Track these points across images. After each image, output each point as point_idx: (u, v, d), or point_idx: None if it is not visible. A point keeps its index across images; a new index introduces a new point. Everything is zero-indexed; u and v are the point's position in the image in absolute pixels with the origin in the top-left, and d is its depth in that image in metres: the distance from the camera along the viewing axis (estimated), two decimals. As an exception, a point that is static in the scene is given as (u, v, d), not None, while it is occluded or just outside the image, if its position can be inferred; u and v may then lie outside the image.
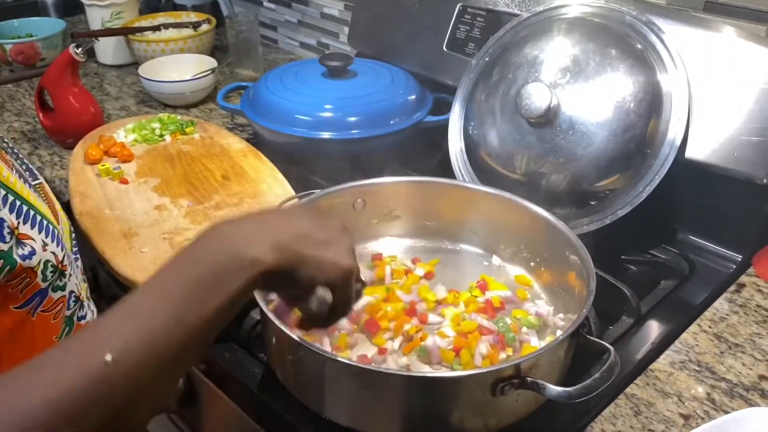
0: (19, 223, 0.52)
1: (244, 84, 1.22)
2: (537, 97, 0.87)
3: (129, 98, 1.41)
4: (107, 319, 0.40)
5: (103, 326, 0.40)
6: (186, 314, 0.41)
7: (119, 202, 0.92)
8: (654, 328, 0.78)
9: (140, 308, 0.41)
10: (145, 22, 1.54)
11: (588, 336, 0.62)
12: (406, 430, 0.59)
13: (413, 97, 1.09)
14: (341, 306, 0.53)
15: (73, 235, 0.67)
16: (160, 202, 0.93)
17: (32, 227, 0.54)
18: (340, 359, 0.57)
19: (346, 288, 0.52)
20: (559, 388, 0.55)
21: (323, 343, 0.67)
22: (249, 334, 0.73)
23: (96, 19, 1.53)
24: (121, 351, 0.37)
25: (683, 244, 0.91)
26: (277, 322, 0.59)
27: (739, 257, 0.87)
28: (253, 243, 0.45)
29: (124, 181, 0.98)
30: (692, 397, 0.68)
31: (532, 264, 0.81)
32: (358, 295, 0.57)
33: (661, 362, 0.72)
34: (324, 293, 0.50)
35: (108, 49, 1.55)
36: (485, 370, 0.55)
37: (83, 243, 0.85)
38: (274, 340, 0.64)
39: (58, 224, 0.60)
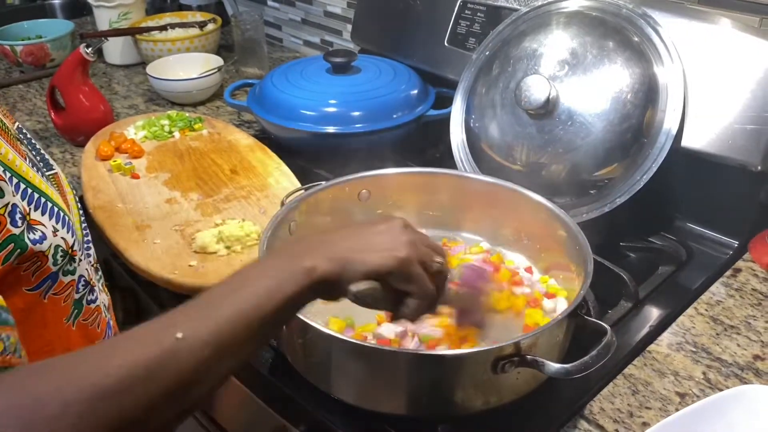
0: (30, 209, 0.55)
1: (250, 81, 1.24)
2: (536, 89, 0.89)
3: (137, 97, 1.44)
4: (183, 307, 0.46)
5: (178, 312, 0.46)
6: (248, 311, 0.46)
7: (131, 196, 0.95)
8: (652, 312, 0.80)
9: (211, 300, 0.47)
10: (151, 22, 1.57)
11: (586, 317, 0.64)
12: (410, 407, 0.62)
13: (415, 91, 1.12)
14: (419, 294, 0.54)
15: (84, 225, 0.69)
16: (171, 195, 0.96)
17: (43, 214, 0.56)
18: (346, 339, 0.59)
19: (408, 275, 0.53)
20: (558, 365, 0.57)
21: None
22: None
23: (103, 19, 1.56)
24: (190, 331, 0.43)
25: (681, 230, 0.93)
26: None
27: (735, 243, 0.89)
28: (310, 254, 0.51)
29: (136, 176, 1.00)
30: (688, 377, 0.70)
31: (532, 251, 0.83)
32: (441, 276, 0.56)
33: (659, 344, 0.75)
34: (358, 286, 0.51)
35: (116, 50, 1.58)
36: (486, 348, 0.57)
37: (97, 236, 0.88)
38: (284, 326, 0.66)
39: (69, 212, 0.62)
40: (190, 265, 0.81)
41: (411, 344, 0.65)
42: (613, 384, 0.69)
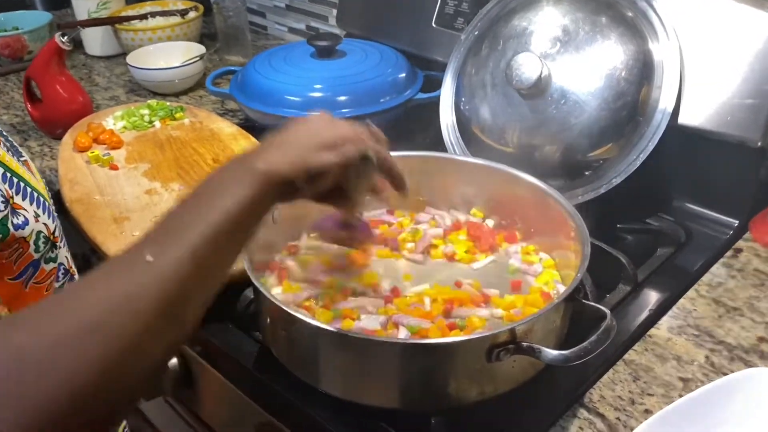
0: (12, 193, 0.53)
1: (233, 68, 1.21)
2: (527, 67, 0.86)
3: (118, 88, 1.40)
4: (150, 231, 0.45)
5: (146, 237, 0.44)
6: (210, 213, 0.44)
7: (110, 188, 0.92)
8: (651, 295, 0.77)
9: (171, 218, 0.46)
10: (131, 11, 1.53)
11: (584, 301, 0.61)
12: (402, 400, 0.59)
13: (403, 74, 1.08)
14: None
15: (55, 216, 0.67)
16: (151, 186, 0.92)
17: (24, 198, 0.54)
18: (332, 330, 0.56)
19: (347, 147, 0.54)
20: (555, 352, 0.54)
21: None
22: (243, 313, 0.72)
23: (82, 10, 1.52)
24: (158, 251, 0.42)
25: (679, 211, 0.91)
26: (269, 296, 0.58)
27: (735, 222, 0.87)
28: (265, 159, 0.50)
29: (114, 167, 0.97)
30: (691, 361, 0.67)
31: (526, 234, 0.80)
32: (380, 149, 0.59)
33: (660, 328, 0.72)
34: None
35: (96, 40, 1.53)
36: (480, 335, 0.54)
37: (74, 230, 0.85)
38: (267, 317, 0.63)
39: (49, 200, 0.61)
40: (170, 258, 0.77)
41: (401, 335, 0.62)
42: (613, 370, 0.67)
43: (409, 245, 0.77)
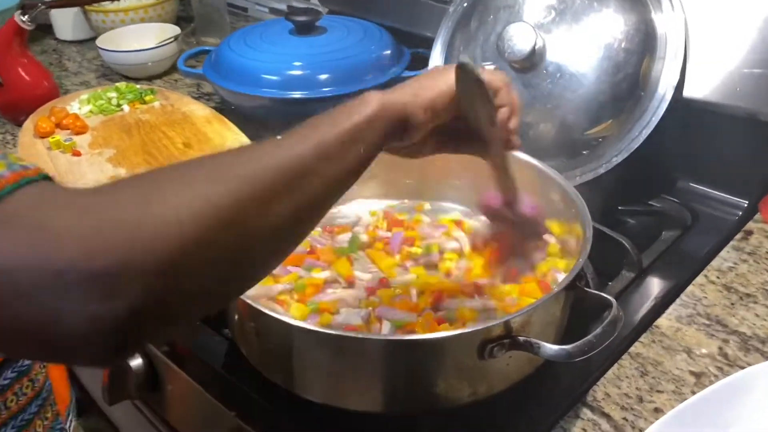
0: None
1: (207, 48, 1.14)
2: (520, 38, 0.80)
3: (89, 73, 1.33)
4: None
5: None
6: (315, 138, 0.41)
7: (70, 175, 0.85)
8: (657, 282, 0.71)
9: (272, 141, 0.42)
10: (102, -8, 1.45)
11: (586, 289, 0.55)
12: (386, 403, 0.53)
13: (388, 51, 1.02)
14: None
15: None
16: (115, 173, 0.86)
17: None
18: (306, 327, 0.50)
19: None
20: (556, 347, 0.48)
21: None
22: (212, 309, 0.66)
23: (51, -9, 1.44)
24: (285, 136, 0.41)
25: (684, 192, 0.85)
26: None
27: (744, 203, 0.81)
28: (378, 98, 0.46)
29: (77, 153, 0.90)
30: (703, 354, 0.62)
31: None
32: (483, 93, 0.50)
33: (667, 318, 0.66)
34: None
35: (66, 24, 1.46)
36: (470, 330, 0.48)
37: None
38: (235, 313, 0.57)
39: None
40: (132, 249, 0.70)
41: (384, 330, 0.56)
42: (619, 365, 0.61)
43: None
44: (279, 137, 0.41)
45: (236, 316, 0.57)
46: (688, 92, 0.79)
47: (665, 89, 0.78)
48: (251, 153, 0.40)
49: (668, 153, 0.84)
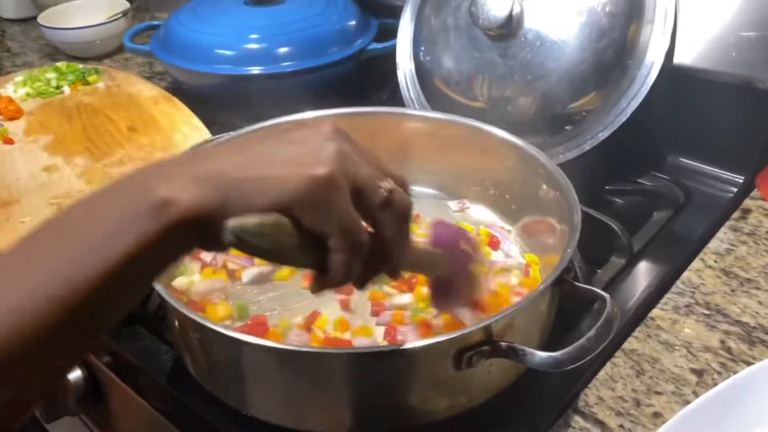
0: None
1: (156, 23, 1.04)
2: (495, 3, 0.73)
3: (32, 53, 1.23)
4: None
5: None
6: (76, 271, 0.29)
7: (1, 167, 0.76)
8: (650, 269, 0.65)
9: (12, 265, 0.30)
10: (46, -34, 1.34)
11: (575, 282, 0.48)
12: (354, 422, 0.46)
13: (353, 22, 0.94)
14: (341, 242, 0.33)
15: None
16: (51, 162, 0.77)
17: None
18: (252, 341, 0.43)
19: (322, 207, 0.32)
20: (544, 354, 0.42)
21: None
22: (156, 314, 0.58)
23: (-12, -36, 1.33)
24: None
25: (674, 168, 0.78)
26: (167, 296, 0.44)
27: (740, 179, 0.75)
28: (172, 178, 0.31)
29: (9, 141, 0.81)
30: (704, 348, 0.56)
31: (501, 203, 0.67)
32: (394, 219, 0.35)
33: (663, 308, 0.60)
34: (235, 222, 0.30)
35: (9, 1, 1.35)
36: (444, 338, 0.41)
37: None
38: (175, 320, 0.49)
39: None
40: (64, 248, 0.62)
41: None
42: (612, 364, 0.55)
43: None
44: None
45: (176, 324, 0.50)
46: (678, 59, 0.72)
47: (654, 56, 0.72)
48: None
49: (657, 126, 0.78)
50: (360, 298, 0.55)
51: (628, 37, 0.72)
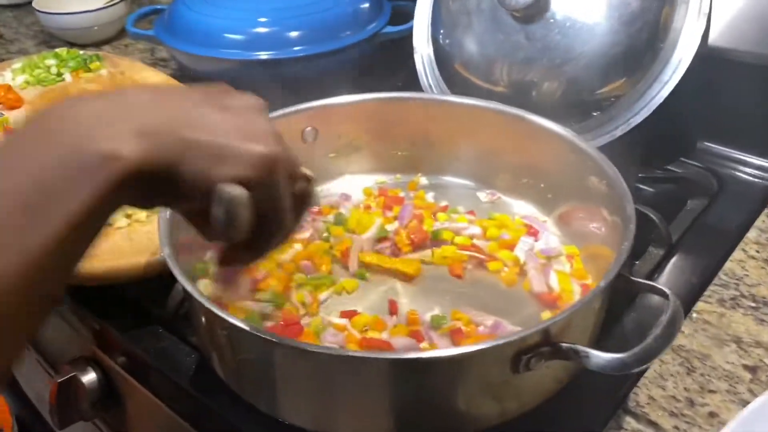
0: None
1: (160, 7, 1.00)
2: (522, -18, 0.69)
3: (27, 40, 1.18)
4: None
5: None
6: (9, 245, 0.26)
7: (2, 158, 0.72)
8: (690, 260, 0.62)
9: None
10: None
11: (631, 277, 0.45)
12: (395, 428, 0.43)
13: (366, 4, 0.90)
14: (272, 217, 0.33)
15: None
16: (56, 153, 0.73)
17: None
18: (290, 343, 0.40)
19: (270, 186, 0.32)
20: (607, 356, 0.39)
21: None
22: (176, 313, 0.55)
23: (-21, -52, 1.28)
24: None
25: (705, 154, 0.76)
26: (198, 296, 0.41)
27: (776, 165, 0.72)
28: (108, 129, 0.28)
29: (10, 131, 0.77)
30: (755, 343, 0.53)
31: (535, 192, 0.64)
32: (305, 199, 0.36)
33: (707, 301, 0.57)
34: (234, 191, 0.30)
35: (0, -14, 1.30)
36: (503, 341, 0.38)
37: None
38: (202, 319, 0.46)
39: None
40: (75, 244, 0.59)
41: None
42: (660, 361, 0.52)
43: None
44: None
45: (203, 322, 0.46)
46: (714, 40, 0.69)
47: (689, 39, 0.68)
48: None
49: (688, 111, 0.75)
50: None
51: (662, 19, 0.69)
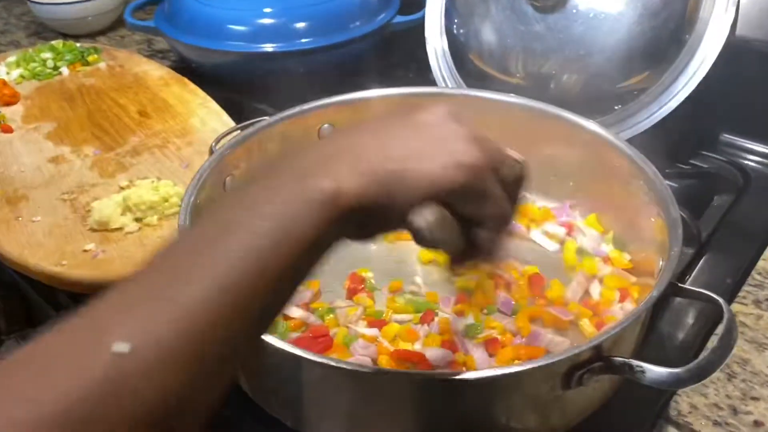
0: None
1: (160, -3, 0.97)
2: (544, -29, 0.67)
3: (18, 31, 1.14)
4: (124, 287, 0.27)
5: (117, 299, 0.27)
6: (236, 279, 0.28)
7: (2, 158, 0.69)
8: (721, 259, 0.60)
9: (169, 271, 0.28)
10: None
11: (680, 285, 0.43)
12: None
13: (375, -7, 0.87)
14: (495, 219, 0.35)
15: None
16: (58, 152, 0.70)
17: None
18: (316, 359, 0.37)
19: (478, 192, 0.33)
20: (663, 371, 0.37)
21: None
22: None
23: (-35, -66, 1.23)
24: (142, 337, 0.25)
25: (729, 148, 0.74)
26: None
27: (802, 159, 0.71)
28: (328, 169, 0.31)
29: (8, 129, 0.74)
30: (795, 346, 0.51)
31: (565, 191, 0.62)
32: (519, 182, 0.37)
33: (742, 302, 0.56)
34: (416, 222, 0.32)
35: (-13, -26, 1.25)
36: (555, 359, 0.36)
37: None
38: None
39: None
40: (85, 250, 0.56)
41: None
42: (699, 367, 0.50)
43: None
44: (116, 343, 0.25)
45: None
46: (742, 30, 0.67)
47: (716, 31, 0.66)
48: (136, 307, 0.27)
49: (712, 103, 0.73)
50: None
51: (688, 10, 0.67)
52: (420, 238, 0.32)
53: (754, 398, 0.48)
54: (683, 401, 0.48)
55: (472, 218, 0.34)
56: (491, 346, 0.47)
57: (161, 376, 0.25)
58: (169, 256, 0.29)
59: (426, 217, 0.32)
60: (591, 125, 0.57)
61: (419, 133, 0.33)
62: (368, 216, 0.32)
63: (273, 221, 0.29)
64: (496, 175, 0.34)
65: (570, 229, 0.57)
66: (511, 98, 0.62)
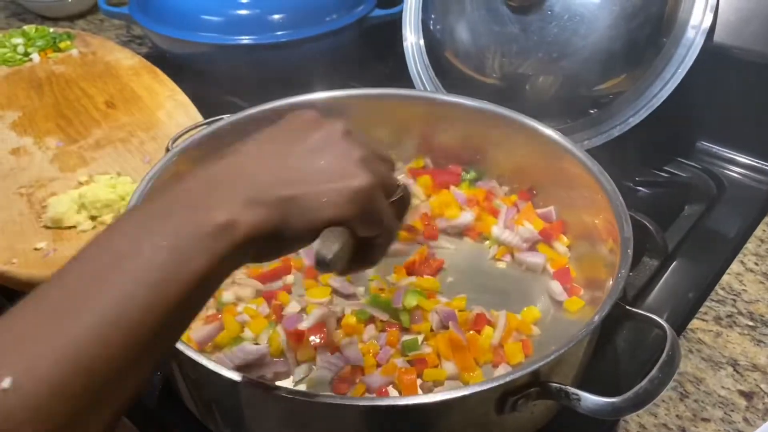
0: None
1: (136, -18, 0.95)
2: (519, -30, 0.65)
3: (-4, 12, 1.12)
4: (9, 320, 0.27)
5: (5, 331, 0.26)
6: (128, 313, 0.27)
7: (-38, 148, 0.68)
8: (686, 272, 0.60)
9: (57, 304, 0.27)
10: None
11: (627, 307, 0.42)
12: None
13: (353, -14, 0.85)
14: (386, 236, 0.37)
15: None
16: (20, 143, 0.69)
17: None
18: (256, 385, 0.36)
19: (369, 212, 0.34)
20: (600, 400, 0.36)
21: None
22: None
23: None
24: (26, 372, 0.25)
25: (704, 155, 0.73)
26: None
27: (777, 169, 0.69)
28: (221, 200, 0.31)
29: (-29, 118, 0.72)
30: (752, 366, 0.51)
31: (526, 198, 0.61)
32: (404, 203, 0.38)
33: (703, 318, 0.55)
34: (321, 249, 0.33)
35: (-31, -48, 1.23)
36: (488, 386, 0.35)
37: None
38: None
39: None
40: (36, 248, 0.55)
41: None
42: (652, 385, 0.49)
43: None
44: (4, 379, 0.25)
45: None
46: (720, 37, 0.65)
47: (694, 35, 0.65)
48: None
49: (688, 109, 0.71)
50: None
51: (666, 13, 0.65)
52: (323, 268, 0.33)
53: (704, 419, 0.47)
54: (633, 421, 0.47)
55: (366, 236, 0.35)
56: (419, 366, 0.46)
57: (48, 408, 0.25)
58: (61, 286, 0.28)
59: (332, 248, 0.32)
60: (550, 132, 0.56)
61: (313, 154, 0.34)
62: (265, 244, 0.31)
63: (164, 254, 0.28)
64: (385, 193, 0.35)
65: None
66: (468, 101, 0.61)
